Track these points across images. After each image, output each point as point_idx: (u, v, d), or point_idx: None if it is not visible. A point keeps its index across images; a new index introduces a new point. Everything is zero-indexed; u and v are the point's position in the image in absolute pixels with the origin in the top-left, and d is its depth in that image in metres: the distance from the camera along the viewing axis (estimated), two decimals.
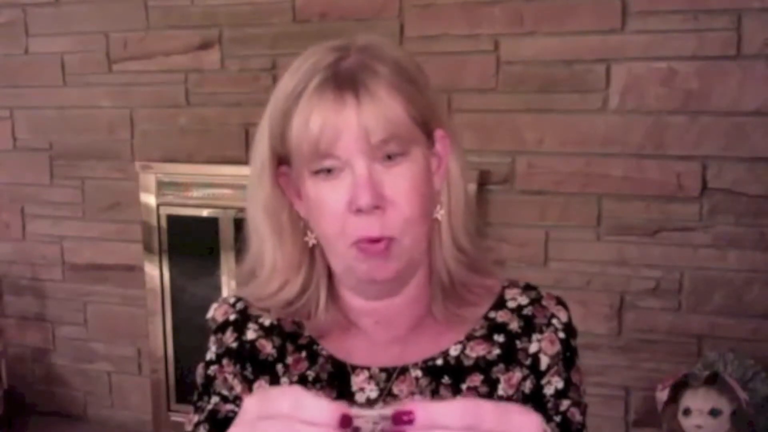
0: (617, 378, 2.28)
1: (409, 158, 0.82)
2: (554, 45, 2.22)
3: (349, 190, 0.80)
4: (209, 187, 2.65)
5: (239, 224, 2.57)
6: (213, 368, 0.93)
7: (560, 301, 0.92)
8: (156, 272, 2.76)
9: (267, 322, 0.94)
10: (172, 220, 2.73)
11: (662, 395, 2.04)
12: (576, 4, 2.19)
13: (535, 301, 0.91)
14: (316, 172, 0.82)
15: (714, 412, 1.96)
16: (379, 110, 0.79)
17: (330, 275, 0.91)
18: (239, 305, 0.96)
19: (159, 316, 2.78)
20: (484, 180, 2.31)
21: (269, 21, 2.53)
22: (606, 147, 2.22)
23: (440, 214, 0.88)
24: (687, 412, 2.00)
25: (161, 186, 2.72)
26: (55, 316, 3.04)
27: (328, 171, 0.81)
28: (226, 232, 2.62)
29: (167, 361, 2.80)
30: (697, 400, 1.98)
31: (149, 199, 2.74)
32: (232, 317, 0.95)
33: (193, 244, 2.71)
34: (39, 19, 2.86)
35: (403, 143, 0.81)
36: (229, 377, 0.92)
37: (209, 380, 0.93)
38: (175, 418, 2.77)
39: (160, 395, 2.83)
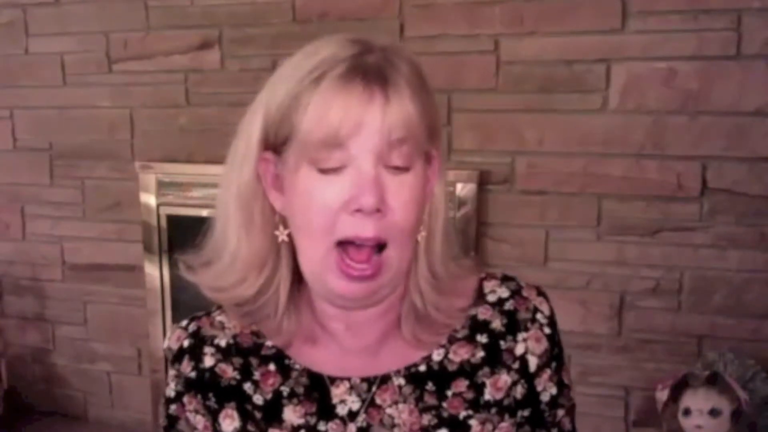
0: (617, 378, 2.28)
1: (413, 171, 0.79)
2: (554, 45, 2.22)
3: (350, 188, 0.76)
4: (209, 187, 2.64)
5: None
6: (173, 407, 0.90)
7: (540, 292, 0.90)
8: (156, 272, 2.76)
9: (223, 342, 0.89)
10: (172, 220, 2.73)
11: (662, 395, 2.04)
12: (576, 4, 2.19)
13: (516, 293, 0.88)
14: (320, 170, 0.77)
15: (714, 412, 1.96)
16: (404, 109, 0.76)
17: (293, 278, 0.86)
18: (192, 327, 0.92)
19: (159, 316, 2.78)
20: (484, 180, 2.31)
21: (269, 21, 2.53)
22: (606, 147, 2.22)
23: (421, 236, 0.84)
24: (687, 412, 2.00)
25: (161, 186, 2.72)
26: (55, 316, 3.04)
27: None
28: None
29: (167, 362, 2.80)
30: (697, 400, 1.98)
31: (149, 199, 2.74)
32: (186, 343, 0.90)
33: (193, 244, 2.71)
34: (39, 19, 2.86)
35: (414, 149, 0.78)
36: (191, 415, 0.89)
37: (172, 420, 0.91)
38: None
39: (160, 395, 2.83)
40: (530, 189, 2.31)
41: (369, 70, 0.76)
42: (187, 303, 2.70)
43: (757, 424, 2.02)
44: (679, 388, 2.01)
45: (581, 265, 2.28)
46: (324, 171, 0.77)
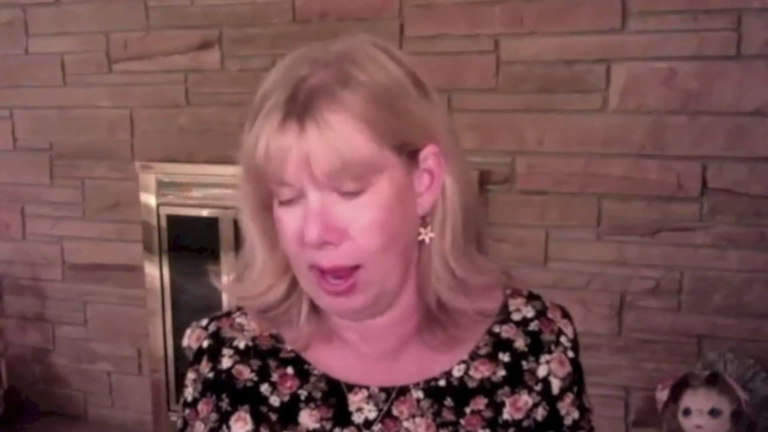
0: (617, 378, 2.28)
1: (373, 189, 0.76)
2: (554, 45, 2.22)
3: (301, 220, 0.76)
4: (209, 187, 2.65)
5: (240, 224, 2.57)
6: (188, 411, 0.91)
7: (565, 313, 0.89)
8: (156, 272, 2.76)
9: (242, 344, 0.89)
10: (172, 220, 2.73)
11: (662, 395, 2.04)
12: (576, 4, 2.19)
13: (541, 314, 0.88)
14: (279, 201, 0.78)
15: (714, 412, 1.96)
16: (327, 140, 0.73)
17: None
18: (212, 327, 0.92)
19: (159, 316, 2.78)
20: (484, 180, 2.31)
21: (269, 21, 2.53)
22: (606, 147, 2.22)
23: (428, 236, 0.81)
24: (687, 412, 2.00)
25: (161, 186, 2.72)
26: (55, 316, 3.04)
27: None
28: (227, 232, 2.62)
29: (167, 361, 2.80)
30: (697, 400, 1.98)
31: (149, 199, 2.74)
32: (205, 344, 0.90)
33: (193, 244, 2.71)
34: (39, 19, 2.86)
35: (360, 176, 0.75)
36: (197, 423, 0.89)
37: (185, 424, 0.91)
38: (175, 418, 2.76)
39: (160, 395, 2.83)
40: (530, 189, 2.31)
41: (295, 101, 0.75)
42: (187, 303, 2.72)
43: (757, 424, 2.02)
44: (679, 388, 2.01)
45: (581, 265, 2.28)
46: (282, 203, 0.78)
